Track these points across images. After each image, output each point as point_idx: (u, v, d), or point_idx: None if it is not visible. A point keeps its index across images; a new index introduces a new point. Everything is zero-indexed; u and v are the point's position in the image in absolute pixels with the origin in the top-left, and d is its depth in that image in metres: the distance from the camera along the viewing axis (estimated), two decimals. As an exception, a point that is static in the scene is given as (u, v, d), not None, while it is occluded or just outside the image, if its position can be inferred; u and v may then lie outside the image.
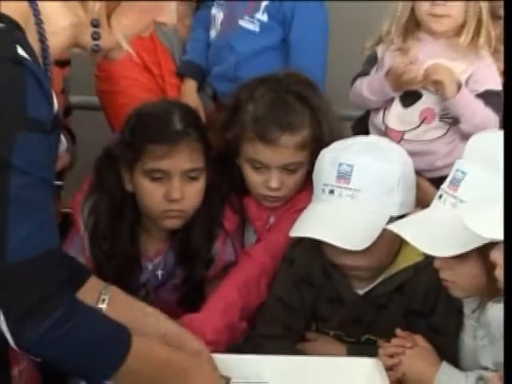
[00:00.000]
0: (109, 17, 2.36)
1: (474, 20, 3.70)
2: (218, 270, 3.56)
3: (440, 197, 2.96)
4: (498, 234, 2.58)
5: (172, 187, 3.35)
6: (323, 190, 3.19)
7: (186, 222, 3.47)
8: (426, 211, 3.04)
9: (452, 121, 3.76)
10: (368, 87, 3.88)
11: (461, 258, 2.84)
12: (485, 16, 3.70)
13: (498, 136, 3.06)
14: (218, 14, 4.23)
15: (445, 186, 2.95)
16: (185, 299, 3.54)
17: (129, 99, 3.92)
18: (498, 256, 2.60)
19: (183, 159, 3.36)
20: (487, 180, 2.85)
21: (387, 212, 3.12)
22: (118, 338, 2.41)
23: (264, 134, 3.40)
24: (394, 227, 3.00)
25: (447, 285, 2.96)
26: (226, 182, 3.62)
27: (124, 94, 4.04)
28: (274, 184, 3.46)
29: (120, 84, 4.03)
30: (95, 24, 2.34)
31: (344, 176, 3.15)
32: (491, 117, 3.64)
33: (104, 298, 2.72)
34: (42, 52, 2.31)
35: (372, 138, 3.43)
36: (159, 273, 3.57)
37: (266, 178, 3.48)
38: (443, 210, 2.93)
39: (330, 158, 3.23)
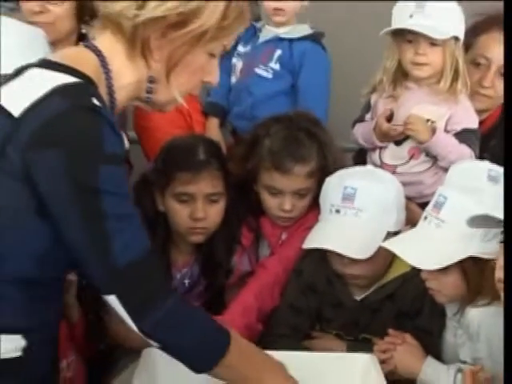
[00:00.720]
0: (168, 76, 2.44)
1: (452, 68, 3.70)
2: (236, 279, 3.62)
3: (425, 218, 3.06)
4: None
5: (196, 208, 3.45)
6: (330, 210, 3.28)
7: (208, 237, 3.53)
8: (414, 230, 3.14)
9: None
10: (362, 136, 3.92)
11: (444, 270, 2.93)
12: (461, 65, 3.72)
13: (472, 165, 3.26)
14: (237, 62, 4.35)
15: (429, 208, 3.06)
16: (208, 305, 3.55)
17: (162, 134, 3.97)
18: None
19: (206, 185, 3.46)
20: (465, 203, 2.90)
21: (384, 228, 3.21)
22: (220, 333, 2.48)
23: (279, 165, 3.49)
24: (387, 244, 3.12)
25: (432, 293, 3.05)
26: (244, 204, 3.67)
27: (158, 130, 4.09)
28: (287, 207, 3.54)
29: (155, 121, 4.09)
30: (151, 80, 2.44)
31: (348, 197, 3.24)
32: (466, 152, 3.66)
33: None
34: (110, 104, 2.41)
35: (370, 167, 3.53)
36: (186, 281, 3.62)
37: (281, 202, 3.55)
38: (428, 229, 3.03)
39: (336, 182, 3.33)
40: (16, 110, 2.28)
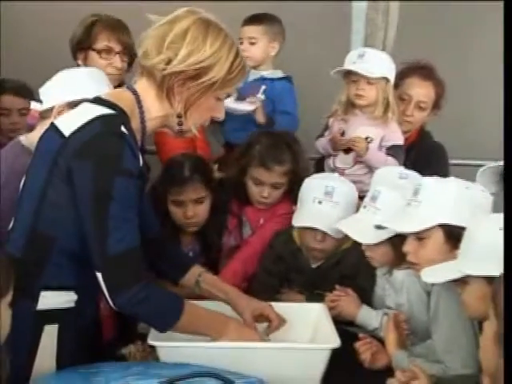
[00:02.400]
0: (185, 113, 2.52)
1: (383, 101, 3.84)
2: (226, 251, 3.74)
3: (365, 207, 3.10)
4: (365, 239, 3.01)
5: (187, 210, 3.57)
6: (313, 200, 3.31)
7: (201, 226, 3.66)
8: (357, 215, 3.16)
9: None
10: (322, 148, 4.05)
11: (378, 243, 2.99)
12: (391, 98, 3.86)
13: (389, 169, 3.38)
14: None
15: (367, 200, 3.10)
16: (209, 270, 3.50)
17: (173, 150, 4.02)
18: (408, 248, 2.77)
19: (191, 193, 3.57)
20: (394, 196, 2.99)
21: (349, 214, 3.24)
22: (175, 303, 2.51)
23: (264, 163, 3.62)
24: (339, 225, 3.15)
25: (369, 259, 3.09)
26: (235, 194, 3.79)
27: (170, 147, 4.12)
28: (265, 194, 3.67)
29: (169, 141, 4.11)
30: (179, 116, 2.53)
31: (329, 193, 3.30)
32: (392, 163, 3.78)
33: (199, 279, 2.88)
34: (142, 130, 2.52)
35: (337, 175, 3.54)
36: (190, 253, 3.68)
37: (261, 190, 3.67)
38: (367, 215, 3.06)
39: (319, 181, 3.39)
40: (67, 132, 2.41)
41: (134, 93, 2.54)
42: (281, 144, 3.74)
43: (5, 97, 4.19)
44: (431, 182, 2.79)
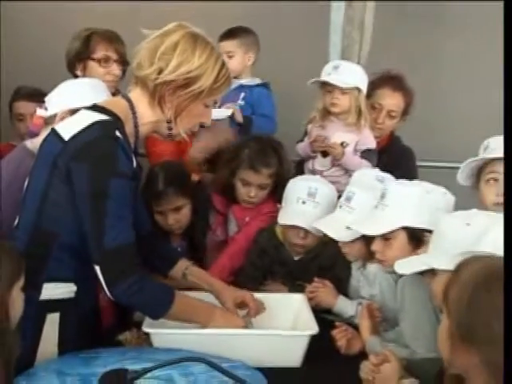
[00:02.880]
0: (176, 118, 2.56)
1: (356, 109, 3.86)
2: (212, 247, 3.74)
3: (340, 207, 3.14)
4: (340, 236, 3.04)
5: (167, 218, 3.50)
6: (297, 201, 3.32)
7: (184, 228, 3.59)
8: (333, 215, 3.18)
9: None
10: (302, 151, 4.06)
11: (353, 240, 3.04)
12: (363, 107, 3.87)
13: (366, 171, 3.36)
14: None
15: (342, 200, 3.14)
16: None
17: (162, 154, 4.04)
18: (376, 247, 2.81)
19: (167, 203, 3.48)
20: (367, 197, 3.02)
21: (328, 213, 3.25)
22: (167, 294, 2.54)
23: (253, 166, 3.63)
24: (316, 223, 3.19)
25: (345, 254, 3.13)
26: (225, 194, 3.79)
27: (159, 151, 4.10)
28: (252, 194, 3.67)
29: (158, 145, 4.08)
30: (169, 121, 2.56)
31: (312, 194, 3.32)
32: (366, 165, 3.78)
33: (185, 272, 2.89)
34: (135, 134, 2.55)
35: (319, 177, 3.57)
36: (179, 249, 3.62)
37: (248, 191, 3.67)
38: (342, 214, 3.10)
39: (303, 182, 3.40)
40: (66, 136, 2.44)
41: (128, 100, 2.57)
42: (268, 148, 3.75)
43: (19, 103, 4.24)
44: (396, 187, 2.83)
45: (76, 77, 3.74)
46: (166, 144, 3.91)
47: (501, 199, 2.83)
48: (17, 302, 2.21)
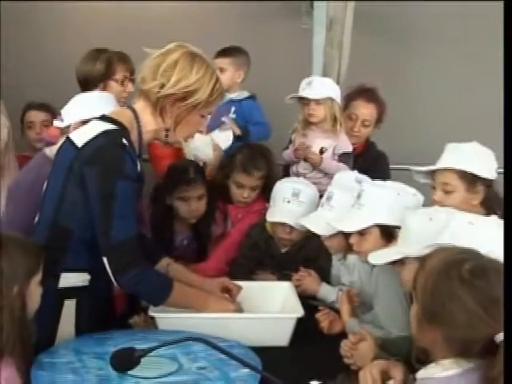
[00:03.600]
0: (175, 127, 2.60)
1: (331, 117, 3.91)
2: (214, 239, 3.79)
3: (322, 206, 3.14)
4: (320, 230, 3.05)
5: (191, 205, 3.62)
6: (283, 200, 3.35)
7: (198, 218, 3.69)
8: (316, 213, 3.19)
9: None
10: (287, 156, 4.08)
11: (333, 235, 3.03)
12: (337, 114, 3.92)
13: (347, 173, 3.36)
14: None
15: (323, 200, 3.15)
16: (198, 255, 3.71)
17: (164, 158, 4.08)
18: (353, 241, 2.81)
19: (195, 191, 3.62)
20: (345, 197, 3.02)
21: (311, 211, 3.25)
22: (166, 283, 2.56)
23: (246, 169, 3.69)
24: (301, 220, 3.21)
25: (327, 247, 3.13)
26: (219, 195, 3.81)
27: (161, 156, 4.15)
28: (245, 195, 3.74)
29: (161, 151, 4.12)
30: (167, 129, 2.60)
31: (296, 194, 3.34)
32: (343, 168, 3.80)
33: (168, 268, 2.84)
34: (139, 141, 2.58)
35: (303, 179, 3.61)
36: (185, 241, 3.75)
37: (242, 192, 3.73)
38: (324, 212, 3.10)
39: (288, 184, 3.42)
40: (79, 143, 2.48)
41: (133, 111, 2.60)
42: (258, 154, 3.80)
43: (30, 113, 4.32)
44: (371, 188, 2.84)
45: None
46: (168, 150, 3.96)
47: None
48: (34, 294, 2.23)
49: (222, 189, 3.83)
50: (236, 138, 4.26)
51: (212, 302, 2.70)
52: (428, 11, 5.89)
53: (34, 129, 4.26)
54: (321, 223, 3.09)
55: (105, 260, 2.43)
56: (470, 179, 2.98)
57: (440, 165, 3.04)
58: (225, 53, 4.43)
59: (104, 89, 3.73)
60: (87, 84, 3.73)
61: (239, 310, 2.80)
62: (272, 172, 3.79)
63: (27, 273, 2.18)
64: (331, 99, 3.95)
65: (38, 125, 4.26)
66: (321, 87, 3.97)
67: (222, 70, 4.27)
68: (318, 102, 3.94)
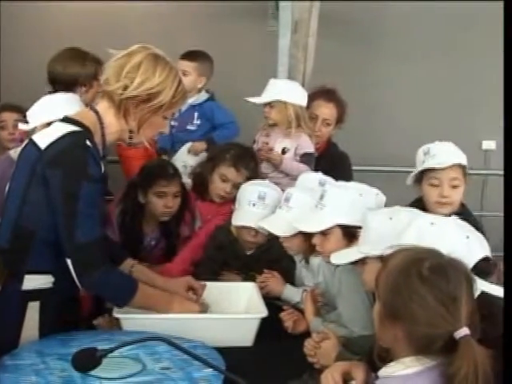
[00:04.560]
0: (139, 128, 2.60)
1: (286, 119, 3.99)
2: (181, 240, 3.76)
3: (280, 207, 3.15)
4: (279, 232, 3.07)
5: (168, 201, 3.61)
6: (249, 204, 3.33)
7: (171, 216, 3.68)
8: (275, 214, 3.19)
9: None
10: None
11: (292, 236, 3.04)
12: (301, 117, 4.01)
13: (310, 175, 3.40)
14: (174, 123, 4.36)
15: (282, 200, 3.15)
16: (166, 255, 3.69)
17: (134, 159, 4.14)
18: (316, 241, 2.81)
19: (173, 187, 3.63)
20: (303, 197, 3.06)
21: (275, 213, 3.22)
22: (130, 284, 2.58)
23: (236, 164, 3.73)
24: (261, 222, 3.21)
25: (286, 249, 3.14)
26: (197, 190, 3.86)
27: (131, 158, 4.21)
28: (228, 190, 3.74)
29: (130, 152, 4.19)
30: (131, 131, 2.60)
31: (262, 197, 3.31)
32: (304, 169, 3.86)
33: (131, 270, 2.83)
34: (103, 142, 2.57)
35: (268, 182, 3.53)
36: (152, 242, 3.74)
37: (225, 186, 3.74)
38: (282, 212, 3.12)
39: (254, 187, 3.39)
40: (42, 145, 2.47)
41: (96, 112, 2.59)
42: (248, 154, 3.87)
43: (3, 113, 4.28)
44: (333, 189, 2.86)
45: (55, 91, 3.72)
46: (136, 150, 3.96)
47: (442, 200, 3.17)
48: None
49: (201, 182, 3.87)
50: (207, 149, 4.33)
51: (176, 304, 2.70)
52: (392, 11, 5.96)
53: (7, 129, 4.24)
54: (280, 224, 3.10)
55: (69, 262, 2.43)
56: (466, 173, 3.20)
57: (449, 160, 3.17)
58: (190, 56, 4.45)
59: (89, 89, 3.77)
60: (69, 85, 3.74)
61: (204, 310, 2.81)
62: (256, 176, 3.79)
63: None
64: (283, 102, 4.01)
65: (10, 125, 4.23)
66: (272, 90, 4.06)
67: (184, 73, 4.30)
68: (270, 104, 4.03)
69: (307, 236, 2.92)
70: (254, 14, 5.65)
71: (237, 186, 3.67)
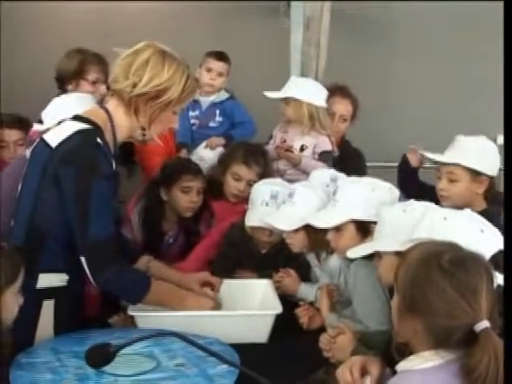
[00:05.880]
0: (149, 125, 2.60)
1: (308, 119, 4.02)
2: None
3: (284, 202, 3.16)
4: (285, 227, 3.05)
5: (193, 196, 3.63)
6: (262, 203, 3.33)
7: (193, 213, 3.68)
8: (280, 209, 3.18)
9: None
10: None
11: (295, 231, 3.05)
12: (315, 118, 4.02)
13: (322, 171, 3.40)
14: (194, 121, 4.49)
15: (286, 196, 3.16)
16: (184, 253, 3.65)
17: (155, 156, 4.12)
18: (329, 237, 2.81)
19: (198, 182, 3.65)
20: (308, 193, 3.08)
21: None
22: (144, 281, 2.59)
23: (247, 162, 3.76)
24: (266, 218, 3.19)
25: (290, 245, 3.12)
26: (214, 192, 3.83)
27: (152, 153, 4.16)
28: (242, 188, 3.76)
29: (151, 149, 4.05)
30: (143, 128, 2.61)
31: (275, 197, 3.30)
32: (321, 167, 3.82)
33: (148, 265, 2.85)
34: (113, 140, 2.58)
35: (280, 180, 3.55)
36: (170, 240, 3.73)
37: (238, 185, 3.78)
38: (286, 208, 3.12)
39: (266, 186, 3.39)
40: (53, 144, 2.48)
41: (106, 111, 2.60)
42: (259, 151, 3.90)
43: (2, 130, 3.93)
44: (346, 185, 2.87)
45: (65, 91, 3.76)
46: (157, 148, 3.96)
47: (440, 192, 3.19)
48: (9, 304, 2.21)
49: (216, 182, 3.86)
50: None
51: (190, 300, 2.71)
52: (405, 9, 5.95)
53: (8, 149, 3.92)
54: (283, 219, 3.11)
55: (82, 260, 2.44)
56: (475, 172, 3.12)
57: (449, 159, 3.15)
58: (225, 59, 4.54)
59: (75, 87, 3.78)
60: (60, 81, 3.78)
61: (218, 306, 2.81)
62: (268, 173, 3.81)
63: (1, 283, 2.15)
64: (299, 100, 4.04)
65: (11, 145, 3.93)
66: (290, 86, 4.09)
67: (220, 74, 4.45)
68: (286, 101, 4.07)
69: (311, 232, 2.93)
70: (265, 12, 5.69)
71: (250, 184, 3.70)
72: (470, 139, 3.18)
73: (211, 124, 4.42)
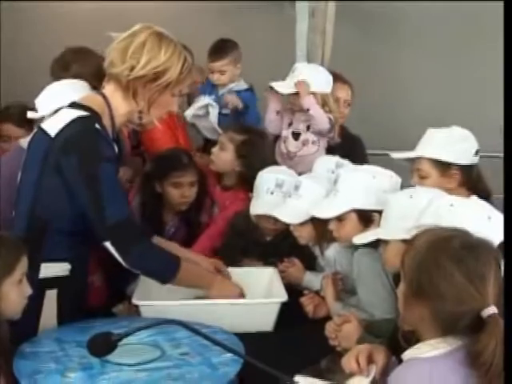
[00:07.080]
0: (148, 108, 2.58)
1: (323, 107, 3.92)
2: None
3: (290, 196, 3.14)
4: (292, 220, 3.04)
5: (184, 191, 3.60)
6: (267, 191, 3.31)
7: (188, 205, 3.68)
8: (286, 203, 3.16)
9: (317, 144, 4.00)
10: (274, 125, 4.08)
11: (302, 224, 3.04)
12: (327, 103, 3.95)
13: (326, 158, 3.38)
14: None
15: (291, 189, 3.15)
16: (186, 244, 3.50)
17: (161, 144, 4.03)
18: (332, 227, 2.81)
19: (189, 177, 3.61)
20: (313, 185, 3.06)
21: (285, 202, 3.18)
22: (173, 261, 2.58)
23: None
24: (272, 211, 3.17)
25: (297, 238, 3.11)
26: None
27: (159, 141, 4.06)
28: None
29: (158, 137, 4.04)
30: (140, 112, 2.59)
31: (280, 185, 3.28)
32: (326, 118, 3.87)
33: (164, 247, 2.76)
34: (112, 125, 2.56)
35: (285, 168, 3.50)
36: (171, 230, 3.71)
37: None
38: (292, 201, 3.10)
39: (271, 175, 3.35)
40: (52, 132, 2.46)
41: (103, 96, 2.58)
42: (256, 136, 3.83)
43: (8, 125, 3.88)
44: (346, 174, 2.85)
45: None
46: (163, 131, 3.95)
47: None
48: (10, 295, 2.19)
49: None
50: (235, 112, 4.29)
51: (218, 283, 2.76)
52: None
53: (9, 144, 3.76)
54: (290, 212, 3.09)
55: (108, 245, 2.44)
56: (443, 165, 2.97)
57: (414, 153, 3.04)
58: (221, 53, 4.40)
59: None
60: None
61: (243, 293, 2.83)
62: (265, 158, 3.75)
63: None
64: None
65: (14, 141, 3.71)
66: (305, 76, 3.98)
67: (222, 72, 4.35)
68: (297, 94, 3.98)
69: (317, 224, 2.92)
70: (267, 7, 5.73)
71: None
72: (437, 130, 3.04)
73: (224, 111, 4.34)
